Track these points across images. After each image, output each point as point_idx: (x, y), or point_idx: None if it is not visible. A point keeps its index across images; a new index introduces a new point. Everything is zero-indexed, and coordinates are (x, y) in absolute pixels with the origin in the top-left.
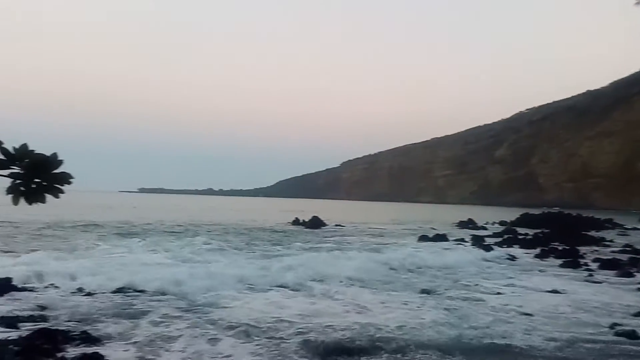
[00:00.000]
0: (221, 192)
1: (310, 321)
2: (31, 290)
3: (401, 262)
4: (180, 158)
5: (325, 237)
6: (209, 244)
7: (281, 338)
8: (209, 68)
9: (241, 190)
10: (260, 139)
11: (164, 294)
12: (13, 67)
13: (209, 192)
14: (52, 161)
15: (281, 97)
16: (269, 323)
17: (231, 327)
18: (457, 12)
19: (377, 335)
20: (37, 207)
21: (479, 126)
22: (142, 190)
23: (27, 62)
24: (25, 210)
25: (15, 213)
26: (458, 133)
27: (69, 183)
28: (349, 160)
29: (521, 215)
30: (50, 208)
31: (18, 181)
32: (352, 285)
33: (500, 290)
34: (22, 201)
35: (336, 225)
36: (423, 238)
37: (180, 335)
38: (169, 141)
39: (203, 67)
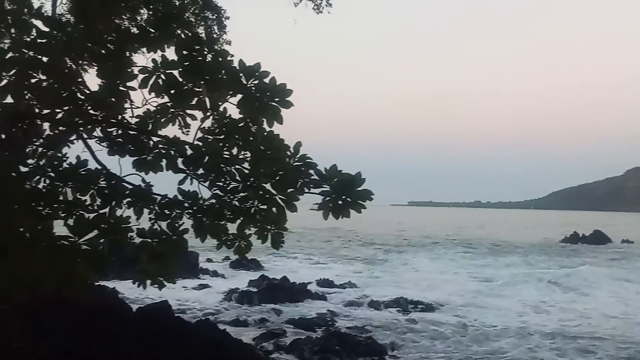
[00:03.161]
0: (489, 205)
1: None
2: (323, 297)
3: None
4: (449, 171)
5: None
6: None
7: None
8: (474, 74)
9: (510, 202)
10: (531, 147)
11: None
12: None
13: (477, 204)
14: (357, 180)
15: (556, 100)
16: None
17: None
18: None
19: None
20: (343, 220)
21: None
22: (412, 204)
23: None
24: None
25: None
26: None
27: (370, 199)
28: (636, 167)
29: None
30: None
31: (328, 198)
32: None
33: None
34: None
35: (624, 242)
36: None
37: None
38: (437, 155)
39: (467, 73)
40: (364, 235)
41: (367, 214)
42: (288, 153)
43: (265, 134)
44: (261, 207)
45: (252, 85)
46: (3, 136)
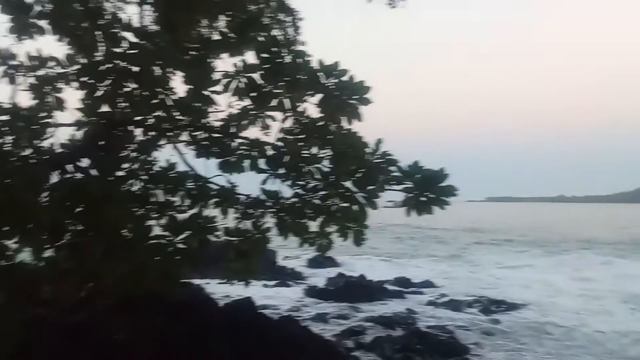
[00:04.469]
0: (574, 199)
1: None
2: (401, 295)
3: None
4: (528, 163)
5: None
6: None
7: None
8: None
9: (598, 196)
10: (619, 137)
11: None
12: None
13: (561, 199)
14: (440, 176)
15: None
16: None
17: None
18: None
19: None
20: (418, 217)
21: None
22: (489, 199)
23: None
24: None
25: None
26: None
27: (454, 195)
28: None
29: None
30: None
31: (410, 195)
32: None
33: None
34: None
35: None
36: None
37: None
38: (514, 147)
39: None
40: (440, 232)
41: (443, 211)
42: (368, 150)
43: (345, 132)
44: (342, 205)
45: (330, 84)
46: (101, 143)
